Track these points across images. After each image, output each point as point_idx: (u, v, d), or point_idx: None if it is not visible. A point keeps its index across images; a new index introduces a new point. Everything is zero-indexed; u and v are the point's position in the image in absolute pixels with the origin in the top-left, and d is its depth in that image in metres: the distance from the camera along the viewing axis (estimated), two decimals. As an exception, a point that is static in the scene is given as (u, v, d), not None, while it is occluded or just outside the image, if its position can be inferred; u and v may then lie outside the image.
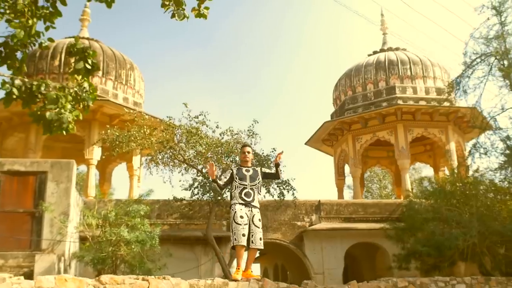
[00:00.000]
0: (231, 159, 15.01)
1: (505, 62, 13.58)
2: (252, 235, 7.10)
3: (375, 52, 23.72)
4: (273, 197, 14.67)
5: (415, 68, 21.77)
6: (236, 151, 14.84)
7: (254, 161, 14.52)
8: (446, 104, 20.47)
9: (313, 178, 49.76)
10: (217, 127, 15.34)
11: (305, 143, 24.72)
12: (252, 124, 15.37)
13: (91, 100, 9.57)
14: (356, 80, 22.50)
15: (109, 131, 14.80)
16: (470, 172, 14.08)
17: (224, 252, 15.38)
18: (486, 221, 11.92)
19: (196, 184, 14.73)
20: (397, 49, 23.30)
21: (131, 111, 16.71)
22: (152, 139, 14.81)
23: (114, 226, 11.70)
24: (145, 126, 14.96)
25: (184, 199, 14.99)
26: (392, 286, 8.60)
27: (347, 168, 24.42)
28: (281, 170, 7.63)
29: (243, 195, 7.27)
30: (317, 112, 62.96)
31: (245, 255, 7.50)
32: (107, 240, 11.44)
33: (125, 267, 12.06)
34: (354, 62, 23.69)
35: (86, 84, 9.32)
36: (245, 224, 7.06)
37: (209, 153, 14.82)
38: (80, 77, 9.36)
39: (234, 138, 15.16)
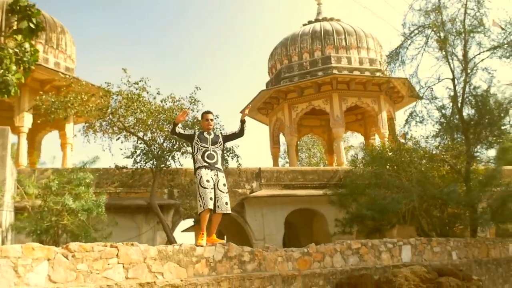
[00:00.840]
0: (173, 127, 14.75)
1: (441, 34, 14.12)
2: (218, 200, 7.07)
3: (310, 22, 23.95)
4: None
5: (350, 38, 22.22)
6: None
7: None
8: (379, 74, 21.22)
9: (249, 146, 50.06)
10: (158, 93, 15.01)
11: (241, 112, 24.70)
12: (194, 91, 15.18)
13: (32, 63, 9.02)
14: (292, 49, 22.66)
15: (44, 96, 14.09)
16: (407, 140, 14.66)
17: (167, 219, 15.24)
18: (424, 186, 12.56)
19: (138, 151, 14.40)
20: (331, 19, 23.66)
21: (67, 76, 15.96)
22: (90, 105, 14.29)
23: (56, 195, 11.25)
24: (82, 93, 14.38)
25: (126, 167, 14.63)
26: (346, 247, 8.90)
27: (281, 137, 24.82)
28: (246, 126, 7.57)
29: (205, 158, 7.20)
30: (253, 80, 62.75)
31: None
32: (49, 209, 10.98)
33: (67, 237, 11.67)
34: (290, 31, 23.84)
35: (27, 45, 8.76)
36: (211, 188, 7.03)
37: (150, 120, 14.52)
38: (21, 37, 8.76)
39: (176, 105, 14.90)
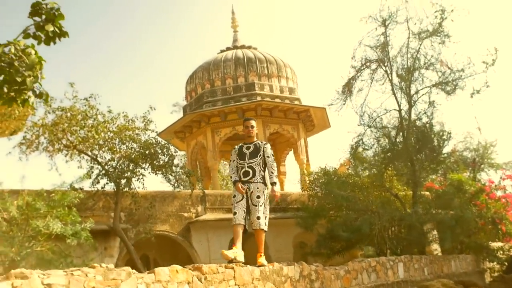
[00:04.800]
0: (127, 146, 14.21)
1: (387, 69, 15.47)
2: (251, 216, 6.78)
3: (228, 49, 24.33)
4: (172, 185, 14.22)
5: (271, 67, 23.00)
6: (134, 137, 14.13)
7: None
8: (297, 103, 22.33)
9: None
10: (109, 111, 14.30)
11: (158, 134, 24.06)
12: (148, 111, 14.72)
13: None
14: (215, 74, 22.80)
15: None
16: (353, 165, 15.63)
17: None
18: (385, 209, 13.51)
19: (96, 172, 13.53)
20: (250, 47, 24.30)
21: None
22: (40, 121, 13.25)
23: (34, 218, 10.16)
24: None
25: (82, 189, 13.61)
26: (368, 265, 9.37)
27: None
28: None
29: (241, 175, 6.97)
30: (160, 101, 60.00)
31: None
32: (30, 233, 9.90)
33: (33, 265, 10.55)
34: (210, 57, 24.00)
35: (32, 52, 8.11)
36: (237, 202, 6.84)
37: (101, 140, 13.82)
38: (23, 43, 8.08)
39: (128, 125, 14.35)
